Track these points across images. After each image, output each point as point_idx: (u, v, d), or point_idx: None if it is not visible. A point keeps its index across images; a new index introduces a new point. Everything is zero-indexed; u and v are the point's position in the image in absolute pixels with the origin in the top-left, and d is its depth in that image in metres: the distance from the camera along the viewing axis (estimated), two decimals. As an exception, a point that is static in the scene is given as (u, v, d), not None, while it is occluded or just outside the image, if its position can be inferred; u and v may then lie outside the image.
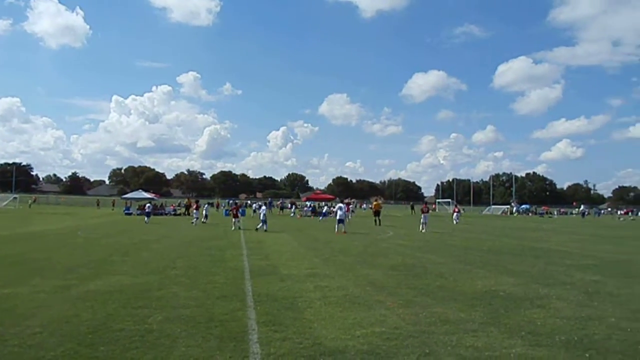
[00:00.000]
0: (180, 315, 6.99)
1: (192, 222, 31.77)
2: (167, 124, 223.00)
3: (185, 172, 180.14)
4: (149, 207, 35.69)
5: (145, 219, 33.18)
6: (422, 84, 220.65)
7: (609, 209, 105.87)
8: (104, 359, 5.13)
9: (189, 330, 6.23)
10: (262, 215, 26.53)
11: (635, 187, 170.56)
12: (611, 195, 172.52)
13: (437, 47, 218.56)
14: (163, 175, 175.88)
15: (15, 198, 65.03)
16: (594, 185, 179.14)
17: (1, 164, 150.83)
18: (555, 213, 77.75)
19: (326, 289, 9.25)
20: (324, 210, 43.43)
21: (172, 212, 47.34)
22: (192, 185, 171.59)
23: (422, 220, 28.57)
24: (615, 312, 7.62)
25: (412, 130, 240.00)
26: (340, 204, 28.33)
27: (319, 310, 7.53)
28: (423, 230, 27.27)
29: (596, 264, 14.03)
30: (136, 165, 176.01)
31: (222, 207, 61.82)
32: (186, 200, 54.34)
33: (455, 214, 40.01)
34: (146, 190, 63.19)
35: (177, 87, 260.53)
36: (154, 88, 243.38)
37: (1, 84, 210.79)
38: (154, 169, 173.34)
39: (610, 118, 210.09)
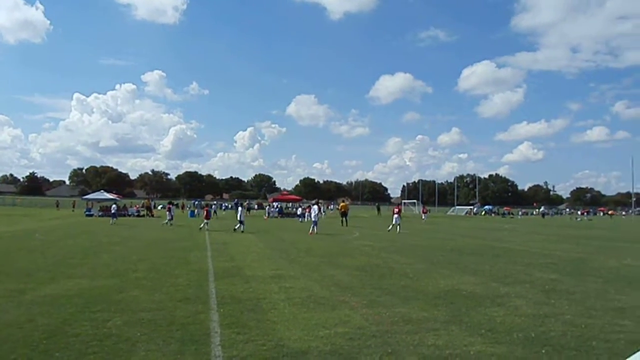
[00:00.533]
0: (140, 318, 6.83)
1: (165, 223, 31.03)
2: (131, 124, 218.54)
3: (150, 173, 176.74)
4: (114, 208, 34.89)
5: (111, 220, 32.46)
6: (389, 86, 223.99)
7: (567, 210, 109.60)
8: (58, 365, 4.96)
9: (150, 334, 6.09)
10: (239, 215, 26.73)
11: (591, 189, 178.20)
12: (569, 196, 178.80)
13: (403, 50, 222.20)
14: (126, 175, 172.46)
15: (-32, 199, 62.32)
16: (553, 187, 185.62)
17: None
18: (520, 214, 79.84)
19: (291, 290, 9.23)
20: (298, 212, 43.78)
21: (136, 214, 46.37)
22: (157, 185, 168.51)
23: (394, 221, 28.56)
24: (571, 309, 7.88)
25: (379, 131, 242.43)
26: (315, 206, 28.46)
27: (282, 311, 7.49)
28: (398, 231, 27.45)
29: (554, 262, 14.48)
30: (98, 166, 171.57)
31: (187, 209, 60.90)
32: (146, 201, 53.24)
33: (424, 214, 49.45)
34: (108, 191, 61.59)
35: (142, 85, 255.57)
36: (117, 86, 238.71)
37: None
38: (116, 169, 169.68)
39: (569, 122, 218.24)
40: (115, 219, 32.81)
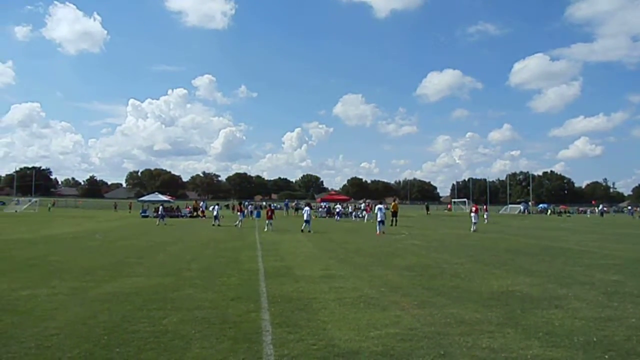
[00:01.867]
0: (194, 316, 7.01)
1: (236, 224, 31.18)
2: (183, 127, 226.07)
3: (201, 175, 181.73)
4: (161, 209, 36.04)
5: (157, 221, 33.53)
6: (437, 83, 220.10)
7: (629, 207, 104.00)
8: (119, 361, 5.16)
9: (204, 331, 6.25)
10: (306, 215, 27.14)
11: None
12: (631, 193, 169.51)
13: (451, 46, 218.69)
14: (179, 177, 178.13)
15: (35, 202, 66.05)
16: (613, 184, 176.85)
17: (21, 168, 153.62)
18: (589, 212, 76.27)
19: (341, 290, 9.22)
20: (337, 211, 43.95)
21: (188, 215, 47.71)
22: (208, 187, 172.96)
23: (473, 220, 28.72)
24: (636, 313, 7.46)
25: (427, 129, 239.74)
26: (380, 205, 27.89)
27: (333, 311, 7.50)
28: (473, 229, 27.72)
29: (616, 263, 13.77)
30: (152, 168, 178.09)
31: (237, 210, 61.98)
32: (194, 202, 54.56)
33: (485, 213, 39.62)
34: (162, 193, 63.80)
35: (193, 90, 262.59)
36: (169, 91, 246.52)
37: (22, 90, 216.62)
38: (169, 172, 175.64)
39: (629, 115, 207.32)
40: (162, 220, 33.84)
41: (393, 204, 35.98)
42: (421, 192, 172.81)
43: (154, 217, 43.25)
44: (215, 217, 33.06)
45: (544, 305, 8.03)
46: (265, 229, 26.57)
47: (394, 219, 32.38)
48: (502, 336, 6.13)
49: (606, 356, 5.38)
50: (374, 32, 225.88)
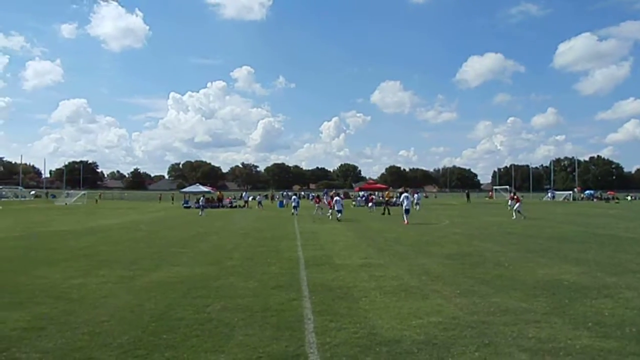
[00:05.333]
0: (237, 304, 7.14)
1: (292, 213, 31.79)
2: (222, 119, 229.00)
3: (240, 166, 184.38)
4: (202, 200, 36.77)
5: (200, 212, 34.21)
6: (477, 67, 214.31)
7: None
8: (166, 347, 5.31)
9: (247, 319, 6.35)
10: (339, 205, 27.33)
11: None
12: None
13: (492, 29, 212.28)
14: (219, 169, 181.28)
15: (83, 194, 68.62)
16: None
17: (70, 163, 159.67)
18: (630, 198, 73.19)
19: (381, 279, 9.19)
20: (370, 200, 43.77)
21: (229, 205, 48.55)
22: (247, 178, 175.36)
23: (516, 207, 28.35)
24: (693, 302, 7.12)
25: (467, 116, 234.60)
26: (406, 194, 27.57)
27: (374, 300, 7.48)
28: (514, 217, 27.53)
29: (670, 251, 13.16)
30: (193, 160, 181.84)
31: (276, 199, 62.72)
32: (218, 193, 54.92)
33: (517, 204, 28.91)
34: (203, 184, 65.15)
35: (231, 82, 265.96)
36: (209, 84, 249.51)
37: (69, 86, 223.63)
38: (210, 163, 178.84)
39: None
40: (203, 211, 34.48)
41: (387, 193, 36.33)
42: (461, 180, 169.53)
43: (196, 207, 44.30)
44: (295, 207, 32.83)
45: (592, 294, 7.76)
46: (314, 213, 26.88)
47: (387, 207, 32.82)
48: (549, 326, 5.97)
49: (661, 347, 5.16)
50: (411, 17, 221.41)
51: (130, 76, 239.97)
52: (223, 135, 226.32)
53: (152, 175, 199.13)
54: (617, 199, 74.35)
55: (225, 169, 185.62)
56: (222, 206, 47.75)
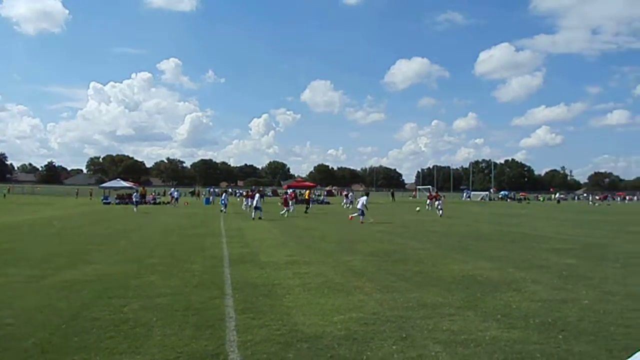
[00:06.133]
0: (156, 304, 6.91)
1: (222, 211, 31.01)
2: (147, 112, 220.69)
3: (165, 161, 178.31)
4: (136, 196, 35.07)
5: (134, 208, 32.62)
6: (405, 70, 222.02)
7: (585, 195, 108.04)
8: (77, 349, 5.03)
9: (166, 318, 6.16)
10: (256, 202, 26.47)
11: (610, 173, 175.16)
12: (587, 181, 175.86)
13: (420, 34, 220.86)
14: (142, 163, 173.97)
15: (-11, 188, 63.48)
16: (571, 172, 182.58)
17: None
18: (547, 199, 78.67)
19: (305, 276, 9.25)
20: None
21: (152, 201, 46.84)
22: (172, 173, 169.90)
23: (438, 206, 30.93)
24: (589, 295, 7.77)
25: (394, 117, 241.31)
26: (364, 197, 26.75)
27: (297, 297, 7.52)
28: (440, 214, 29.73)
29: (571, 247, 14.30)
30: (115, 154, 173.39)
31: (202, 196, 61.39)
32: (141, 188, 52.77)
33: (437, 202, 31.89)
34: (125, 179, 62.28)
35: (158, 74, 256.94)
36: (133, 75, 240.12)
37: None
38: (132, 158, 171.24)
39: (588, 105, 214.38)
40: (137, 207, 32.94)
41: (306, 192, 38.16)
42: (387, 179, 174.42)
43: (117, 204, 42.37)
44: (224, 205, 31.73)
45: (502, 288, 8.27)
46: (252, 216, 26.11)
47: (307, 206, 33.78)
48: (462, 319, 6.28)
49: (560, 336, 5.59)
50: (343, 18, 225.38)
51: (46, 63, 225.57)
52: (148, 129, 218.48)
53: (69, 169, 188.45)
54: (528, 199, 79.81)
55: (149, 164, 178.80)
56: (145, 202, 45.95)
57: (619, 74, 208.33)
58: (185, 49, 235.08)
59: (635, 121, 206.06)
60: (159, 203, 46.15)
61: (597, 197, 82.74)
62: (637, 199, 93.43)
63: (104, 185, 55.04)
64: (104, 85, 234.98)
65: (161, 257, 11.64)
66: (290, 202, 30.87)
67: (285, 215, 28.04)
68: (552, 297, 7.58)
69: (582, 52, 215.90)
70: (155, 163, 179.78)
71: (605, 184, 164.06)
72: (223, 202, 32.49)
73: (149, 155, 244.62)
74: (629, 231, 20.91)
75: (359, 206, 25.49)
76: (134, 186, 51.15)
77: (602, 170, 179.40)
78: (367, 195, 27.26)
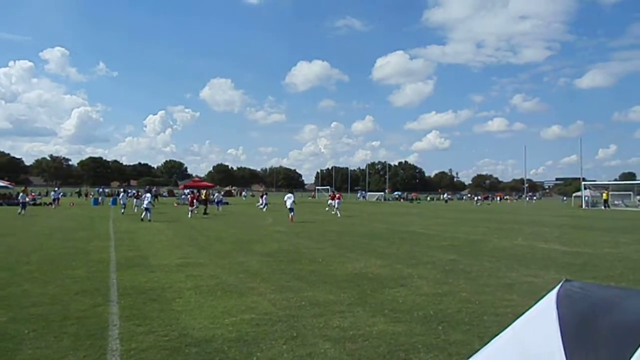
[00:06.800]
0: (29, 314, 6.32)
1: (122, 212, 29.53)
2: (27, 104, 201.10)
3: (48, 158, 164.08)
4: (22, 197, 31.69)
5: (21, 210, 29.51)
6: (306, 72, 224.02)
7: (469, 195, 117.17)
8: None
9: (39, 330, 5.66)
10: (146, 203, 25.16)
11: (490, 175, 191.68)
12: (471, 182, 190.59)
13: (321, 37, 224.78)
14: (21, 160, 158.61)
15: None
16: (457, 174, 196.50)
17: None
18: (436, 199, 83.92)
19: (198, 278, 9.01)
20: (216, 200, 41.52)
21: (32, 202, 42.91)
22: (56, 172, 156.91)
23: (335, 205, 31.78)
24: (467, 287, 8.40)
25: (294, 118, 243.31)
26: (290, 194, 27.85)
27: (188, 300, 7.29)
28: (338, 215, 30.39)
29: (454, 244, 15.37)
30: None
31: (91, 196, 57.50)
32: (24, 188, 48.46)
33: (337, 201, 32.61)
34: (0, 178, 56.44)
35: (41, 63, 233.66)
36: (11, 63, 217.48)
37: None
38: (9, 154, 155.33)
39: (472, 113, 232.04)
40: (24, 209, 29.89)
41: (204, 191, 40.29)
42: (287, 180, 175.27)
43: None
44: (147, 210, 25.25)
45: (391, 284, 8.66)
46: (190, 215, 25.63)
47: (205, 207, 33.68)
48: (352, 315, 6.48)
49: (440, 327, 5.97)
50: (245, 17, 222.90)
51: None
52: (28, 123, 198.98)
53: None
54: (419, 199, 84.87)
55: (29, 162, 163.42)
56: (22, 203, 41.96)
57: (498, 84, 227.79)
58: (73, 37, 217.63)
59: (511, 128, 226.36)
60: (40, 204, 42.45)
61: (479, 197, 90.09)
62: (514, 200, 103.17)
63: (-27, 184, 49.42)
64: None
65: (38, 262, 10.71)
66: (194, 202, 30.15)
67: (189, 216, 27.82)
68: (435, 291, 8.08)
69: (468, 63, 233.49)
70: (37, 160, 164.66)
71: (486, 185, 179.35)
72: (123, 202, 30.75)
73: (29, 151, 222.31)
74: (504, 229, 22.93)
75: (288, 205, 25.69)
76: (9, 185, 46.60)
77: (484, 173, 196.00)
78: (292, 193, 28.00)
